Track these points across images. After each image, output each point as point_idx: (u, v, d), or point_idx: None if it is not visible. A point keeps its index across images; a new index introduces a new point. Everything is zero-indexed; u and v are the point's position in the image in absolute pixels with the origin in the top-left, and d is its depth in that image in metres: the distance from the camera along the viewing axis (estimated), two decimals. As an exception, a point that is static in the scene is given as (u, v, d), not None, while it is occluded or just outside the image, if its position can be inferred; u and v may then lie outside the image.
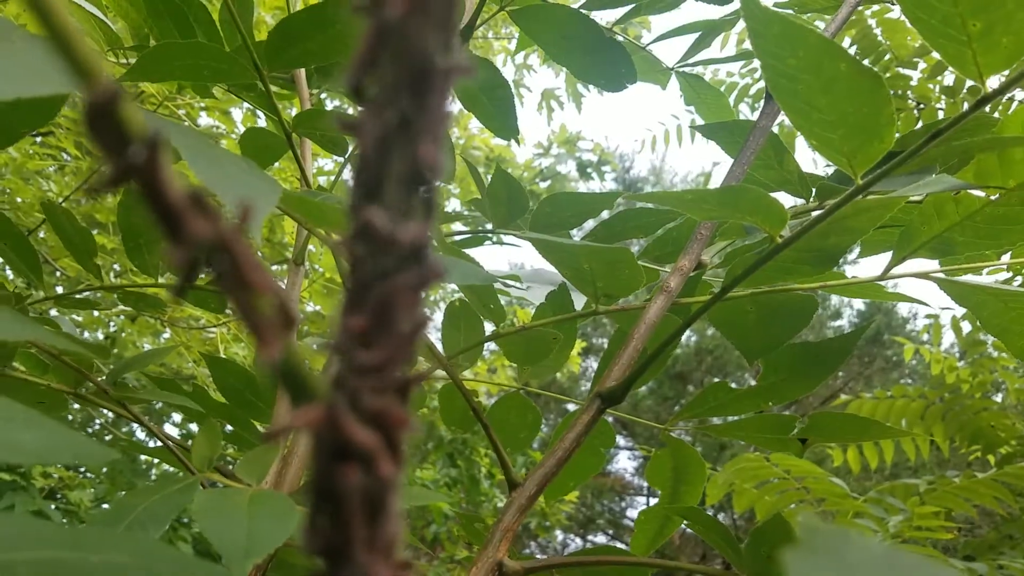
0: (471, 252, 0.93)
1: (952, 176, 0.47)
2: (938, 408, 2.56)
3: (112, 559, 0.21)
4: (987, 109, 0.41)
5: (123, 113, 0.11)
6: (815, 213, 0.51)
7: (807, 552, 0.14)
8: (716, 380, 0.84)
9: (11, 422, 0.26)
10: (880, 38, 2.59)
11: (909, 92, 2.69)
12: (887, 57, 2.63)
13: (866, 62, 2.70)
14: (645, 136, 3.26)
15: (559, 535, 8.57)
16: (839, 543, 0.15)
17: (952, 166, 0.53)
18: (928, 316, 3.29)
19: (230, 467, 0.62)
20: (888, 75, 2.71)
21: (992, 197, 0.46)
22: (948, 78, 2.55)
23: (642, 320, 0.55)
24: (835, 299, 9.49)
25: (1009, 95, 0.37)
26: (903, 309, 9.50)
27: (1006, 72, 0.37)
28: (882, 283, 0.68)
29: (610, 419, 0.84)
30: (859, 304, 9.77)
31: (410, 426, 0.13)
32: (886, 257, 0.64)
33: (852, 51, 2.64)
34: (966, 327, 2.76)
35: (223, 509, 0.36)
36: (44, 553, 0.21)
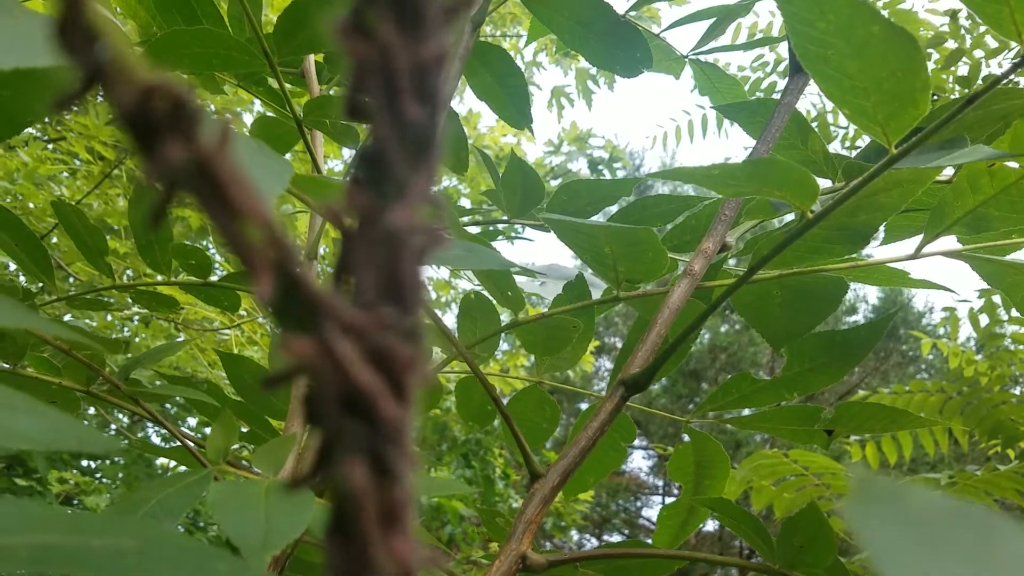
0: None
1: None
2: (956, 402, 2.53)
3: (115, 544, 0.20)
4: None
5: (93, 16, 0.10)
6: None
7: (866, 502, 0.13)
8: (728, 377, 0.83)
9: (11, 409, 0.25)
10: (892, 28, 2.56)
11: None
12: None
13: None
14: (656, 133, 3.24)
15: (574, 535, 8.55)
16: (898, 493, 0.14)
17: (982, 142, 0.51)
18: (945, 309, 3.26)
19: (244, 463, 0.60)
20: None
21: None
22: (962, 68, 2.53)
23: (665, 305, 0.53)
24: (850, 294, 9.44)
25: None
26: (919, 303, 9.45)
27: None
28: (908, 271, 0.67)
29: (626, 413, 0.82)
30: (874, 299, 9.72)
31: (419, 370, 0.12)
32: (907, 245, 0.62)
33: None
34: (983, 320, 2.73)
35: (239, 500, 0.34)
36: (45, 537, 0.20)
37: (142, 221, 0.75)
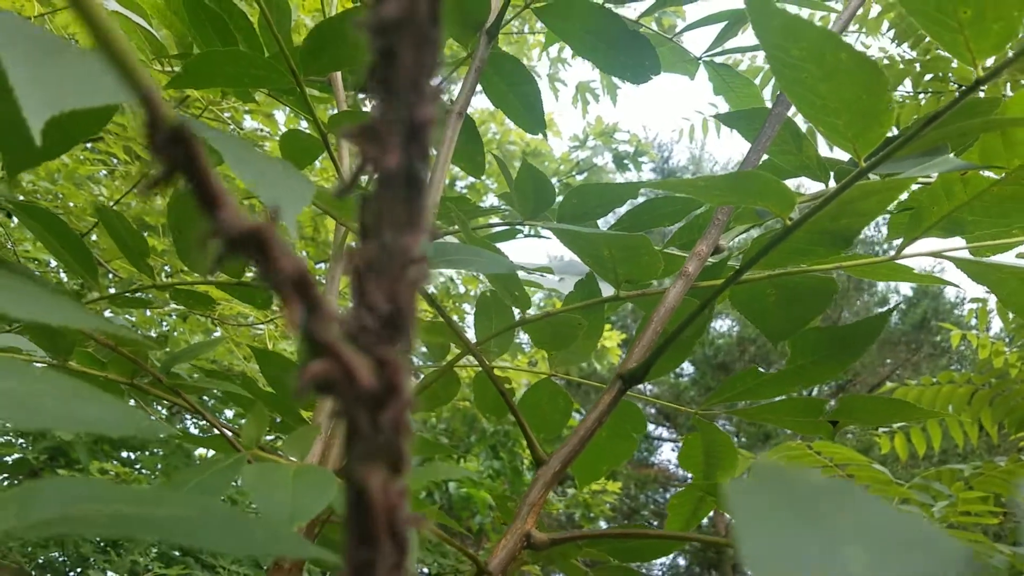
0: (509, 244, 0.96)
1: (958, 157, 0.49)
2: (985, 393, 2.52)
3: (174, 513, 0.24)
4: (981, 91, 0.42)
5: (171, 120, 0.14)
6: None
7: (749, 483, 0.16)
8: (760, 370, 0.86)
9: (80, 399, 0.30)
10: (919, 20, 2.56)
11: (950, 74, 2.65)
12: (927, 40, 2.60)
13: (905, 45, 2.66)
14: (683, 126, 3.26)
15: (603, 526, 8.58)
16: (781, 475, 0.17)
17: (964, 147, 0.54)
18: (973, 300, 3.24)
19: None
20: (928, 57, 2.68)
21: (999, 177, 0.47)
22: (989, 60, 2.51)
23: (662, 304, 0.57)
24: (881, 285, 9.35)
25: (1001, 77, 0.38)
26: (950, 294, 9.33)
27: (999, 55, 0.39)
28: (911, 267, 0.70)
29: (652, 409, 0.86)
30: (906, 290, 9.62)
31: (404, 369, 0.16)
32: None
33: (891, 34, 2.62)
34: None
35: (271, 480, 0.39)
36: (118, 507, 0.24)
37: (181, 226, 0.80)
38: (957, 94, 0.39)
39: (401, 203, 0.17)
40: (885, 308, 9.58)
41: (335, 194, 0.16)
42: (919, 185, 0.68)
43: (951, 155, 0.47)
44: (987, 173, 0.50)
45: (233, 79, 0.62)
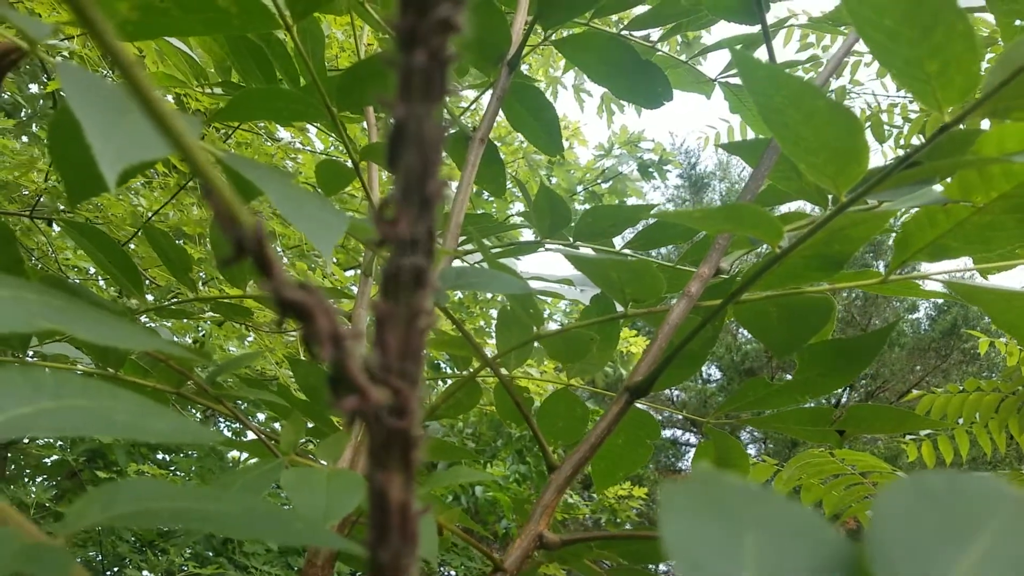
0: (535, 255, 1.01)
1: (943, 184, 0.52)
2: (1012, 401, 2.51)
3: (225, 508, 0.29)
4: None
5: (237, 211, 0.19)
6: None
7: (676, 483, 0.20)
8: (787, 376, 0.89)
9: (147, 414, 0.35)
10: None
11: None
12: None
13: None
14: (708, 134, 3.29)
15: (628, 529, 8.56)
16: (711, 479, 0.20)
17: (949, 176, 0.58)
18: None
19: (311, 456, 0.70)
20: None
21: (979, 206, 0.51)
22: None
23: (666, 322, 0.61)
24: (912, 292, 9.24)
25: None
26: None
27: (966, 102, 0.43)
28: (919, 283, 0.73)
29: (679, 416, 0.90)
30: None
31: (414, 396, 0.21)
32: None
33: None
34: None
35: (307, 483, 0.44)
36: (178, 503, 0.29)
37: (223, 243, 0.86)
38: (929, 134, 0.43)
39: (411, 266, 0.22)
40: (916, 314, 9.48)
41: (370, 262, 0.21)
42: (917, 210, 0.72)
43: (935, 187, 0.51)
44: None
45: (273, 113, 0.67)
